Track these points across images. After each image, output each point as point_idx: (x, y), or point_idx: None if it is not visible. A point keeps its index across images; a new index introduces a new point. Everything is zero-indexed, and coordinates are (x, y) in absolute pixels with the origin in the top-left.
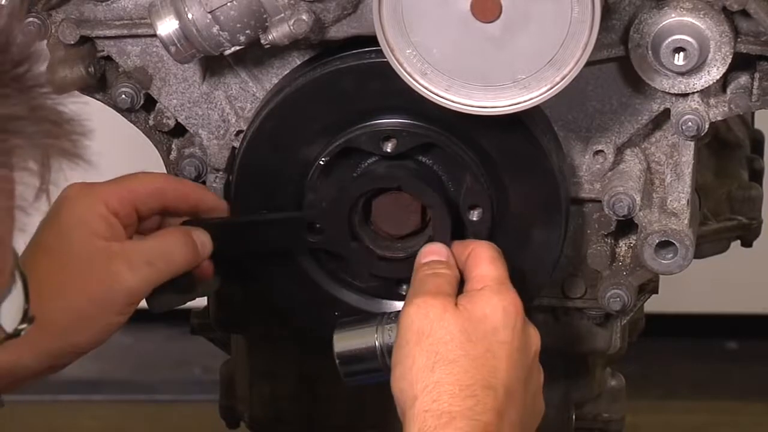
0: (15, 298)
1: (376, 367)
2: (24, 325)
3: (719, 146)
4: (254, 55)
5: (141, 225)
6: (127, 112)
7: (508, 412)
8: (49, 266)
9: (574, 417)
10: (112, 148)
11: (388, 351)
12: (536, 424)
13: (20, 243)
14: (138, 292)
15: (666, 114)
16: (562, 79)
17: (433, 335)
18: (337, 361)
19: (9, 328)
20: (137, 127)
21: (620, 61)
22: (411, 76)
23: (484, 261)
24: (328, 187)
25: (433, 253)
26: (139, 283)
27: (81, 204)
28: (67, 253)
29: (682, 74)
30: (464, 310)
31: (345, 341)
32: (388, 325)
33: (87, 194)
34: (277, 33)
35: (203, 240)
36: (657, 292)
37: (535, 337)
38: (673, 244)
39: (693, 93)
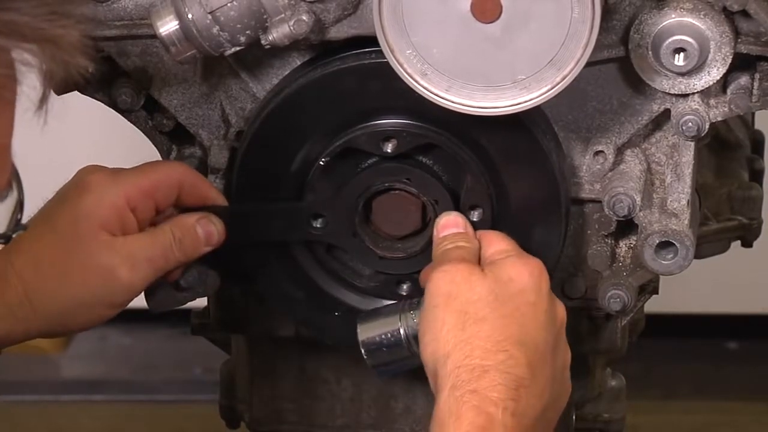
0: (8, 205)
1: (404, 355)
2: (14, 233)
3: (719, 146)
4: (254, 55)
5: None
6: (127, 112)
7: (539, 369)
8: (55, 247)
9: (574, 417)
10: (113, 148)
11: (413, 337)
12: (564, 403)
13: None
14: (136, 289)
15: (666, 114)
16: (563, 79)
17: (460, 297)
18: (363, 351)
19: None
20: (137, 127)
21: (620, 62)
22: (411, 77)
23: (498, 238)
24: (328, 188)
25: (450, 224)
26: (138, 281)
27: (100, 193)
28: (73, 240)
29: (683, 75)
30: (490, 273)
31: (369, 330)
32: (411, 311)
33: (110, 184)
34: (277, 33)
35: (210, 230)
36: (657, 293)
37: (560, 307)
38: (674, 244)
39: (693, 93)
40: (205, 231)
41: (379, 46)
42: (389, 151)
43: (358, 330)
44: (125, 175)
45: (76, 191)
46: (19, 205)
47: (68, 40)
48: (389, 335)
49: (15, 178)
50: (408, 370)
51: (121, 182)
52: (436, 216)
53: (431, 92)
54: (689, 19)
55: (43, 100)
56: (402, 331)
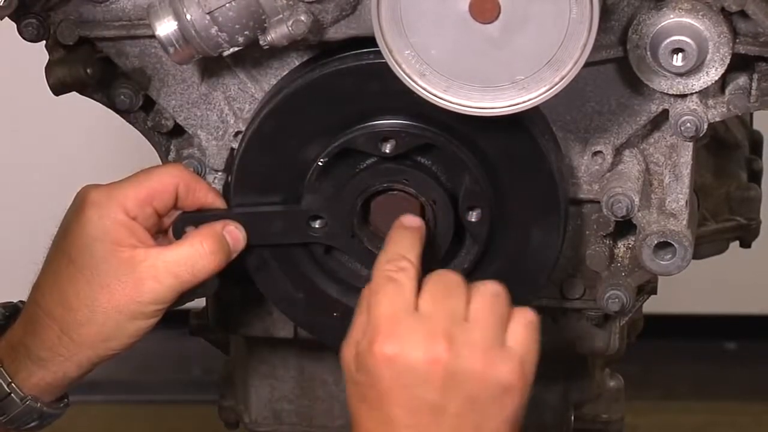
0: None
1: None
2: None
3: (718, 147)
4: (253, 56)
5: (161, 220)
6: (125, 113)
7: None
8: (75, 278)
9: (573, 418)
10: (112, 148)
11: None
12: None
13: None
14: (165, 300)
15: (664, 115)
16: (561, 79)
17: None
18: None
19: None
20: (136, 128)
21: (619, 62)
22: (409, 77)
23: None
24: (327, 189)
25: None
26: (165, 292)
27: (101, 212)
28: (92, 267)
29: (681, 75)
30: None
31: None
32: None
33: (106, 200)
34: (275, 34)
35: (237, 237)
36: (656, 293)
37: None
38: (672, 244)
39: (691, 94)
40: (232, 238)
41: (378, 47)
42: (387, 151)
43: None
44: (119, 188)
45: (77, 217)
46: None
47: None
48: None
49: None
50: None
51: (115, 196)
52: (435, 216)
53: (429, 93)
54: (687, 20)
55: None
56: None
